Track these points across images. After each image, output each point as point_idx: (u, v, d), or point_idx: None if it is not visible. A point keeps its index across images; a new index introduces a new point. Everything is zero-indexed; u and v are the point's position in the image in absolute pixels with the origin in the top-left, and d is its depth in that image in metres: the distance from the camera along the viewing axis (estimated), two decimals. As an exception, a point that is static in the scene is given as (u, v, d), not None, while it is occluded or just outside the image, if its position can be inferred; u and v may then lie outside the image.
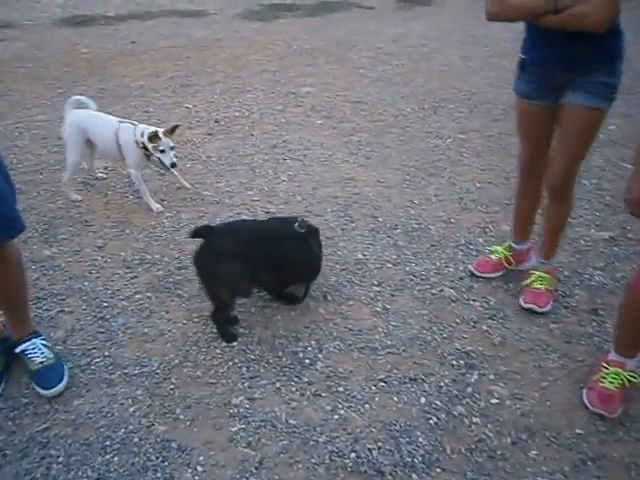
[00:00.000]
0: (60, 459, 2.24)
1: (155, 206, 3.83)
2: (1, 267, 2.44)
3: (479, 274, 3.22)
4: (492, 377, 2.62)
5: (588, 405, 2.44)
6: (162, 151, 3.63)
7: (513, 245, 3.21)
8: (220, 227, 3.06)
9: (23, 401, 2.46)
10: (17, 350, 2.60)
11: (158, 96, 5.69)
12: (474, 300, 3.08)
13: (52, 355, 2.60)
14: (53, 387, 2.51)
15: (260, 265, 2.75)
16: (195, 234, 2.80)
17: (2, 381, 2.54)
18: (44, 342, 2.65)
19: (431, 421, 2.40)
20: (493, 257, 3.24)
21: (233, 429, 2.36)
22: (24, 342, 2.61)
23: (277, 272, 2.87)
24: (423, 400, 2.49)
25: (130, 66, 6.50)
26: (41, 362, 2.55)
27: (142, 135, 3.65)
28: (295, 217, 3.02)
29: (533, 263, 3.16)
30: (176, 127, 3.74)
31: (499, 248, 3.25)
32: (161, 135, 3.61)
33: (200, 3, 9.30)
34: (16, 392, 2.51)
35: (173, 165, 3.69)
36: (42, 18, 8.20)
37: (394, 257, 3.38)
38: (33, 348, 2.59)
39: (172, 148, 3.68)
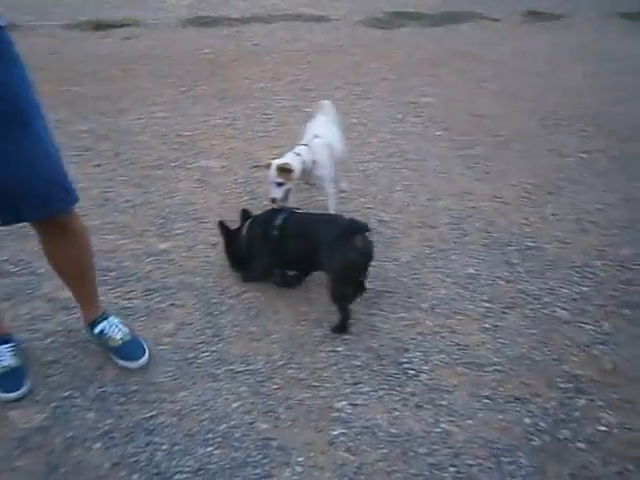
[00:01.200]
0: (164, 447, 2.36)
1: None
2: (71, 240, 2.52)
3: None
4: (601, 404, 2.54)
5: None
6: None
7: None
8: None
9: (132, 388, 2.61)
10: (95, 331, 2.74)
11: (278, 99, 5.82)
12: (586, 323, 2.98)
13: (128, 331, 2.77)
14: (140, 358, 2.70)
15: None
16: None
17: (26, 376, 2.62)
18: (118, 320, 2.81)
19: (534, 442, 2.36)
20: None
21: (334, 433, 2.41)
22: (100, 323, 2.75)
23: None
24: (528, 420, 2.45)
25: (251, 68, 6.68)
26: (121, 338, 2.72)
27: None
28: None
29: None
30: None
31: None
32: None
33: (323, 8, 9.44)
34: (125, 379, 2.66)
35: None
36: (168, 18, 8.56)
37: (506, 274, 3.32)
38: (111, 327, 2.74)
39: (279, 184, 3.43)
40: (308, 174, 3.56)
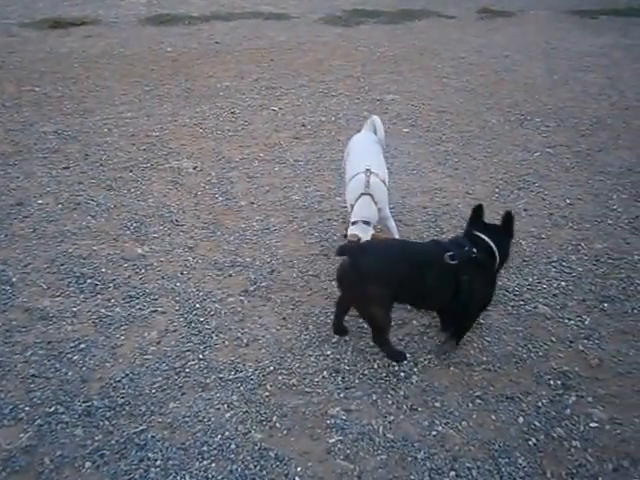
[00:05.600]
0: (158, 462, 2.30)
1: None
2: None
3: None
4: (590, 400, 2.59)
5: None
6: None
7: None
8: (368, 246, 2.90)
9: (119, 401, 2.54)
10: None
11: (244, 97, 5.77)
12: (569, 319, 3.04)
13: None
14: None
15: (400, 289, 2.63)
16: (341, 253, 2.70)
17: None
18: None
19: (530, 442, 2.39)
20: None
21: (330, 440, 2.39)
22: None
23: (418, 299, 2.78)
24: (521, 420, 2.48)
25: (215, 66, 6.61)
26: None
27: None
28: (460, 243, 2.74)
29: None
30: None
31: None
32: None
33: (282, 6, 9.38)
34: (112, 391, 2.58)
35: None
36: (127, 16, 8.39)
37: (486, 272, 3.35)
38: None
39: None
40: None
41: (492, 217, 3.82)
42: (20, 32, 7.41)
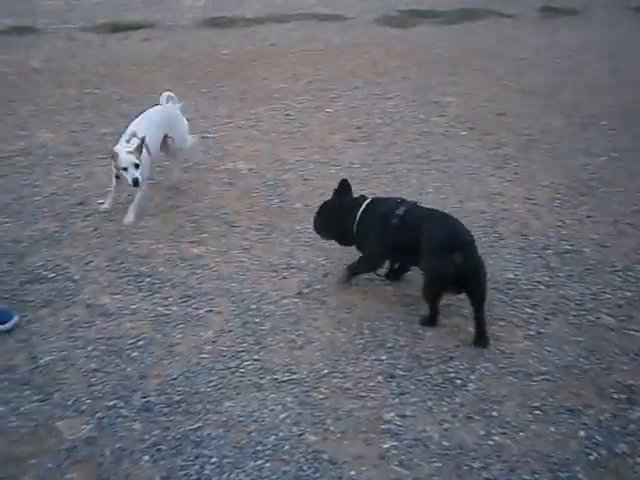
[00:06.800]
0: (213, 460, 2.31)
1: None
2: None
3: None
4: (656, 416, 2.49)
5: None
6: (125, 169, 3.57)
7: None
8: None
9: (176, 398, 2.57)
10: None
11: (299, 99, 5.78)
12: (635, 330, 2.94)
13: None
14: (8, 321, 2.88)
15: None
16: None
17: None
18: None
19: (591, 457, 2.32)
20: None
21: (385, 446, 2.37)
22: None
23: None
24: (582, 433, 2.40)
25: (270, 68, 6.64)
26: None
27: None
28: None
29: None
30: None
31: None
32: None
33: (337, 7, 9.37)
34: (169, 388, 2.61)
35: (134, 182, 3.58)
36: (184, 19, 8.53)
37: (546, 279, 3.28)
38: None
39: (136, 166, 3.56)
40: None
41: (554, 224, 3.77)
42: (81, 36, 7.60)
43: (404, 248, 2.99)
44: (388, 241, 3.02)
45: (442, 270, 2.78)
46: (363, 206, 3.15)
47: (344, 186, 3.26)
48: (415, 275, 3.26)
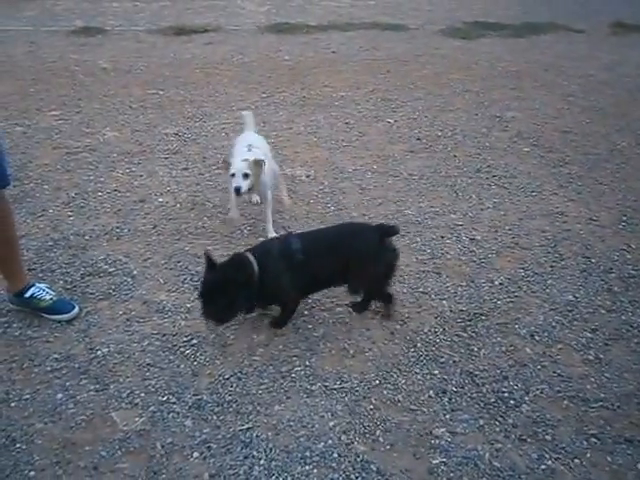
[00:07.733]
0: (262, 461, 2.32)
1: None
2: None
3: None
4: None
5: None
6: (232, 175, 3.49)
7: None
8: None
9: (227, 398, 2.59)
10: (26, 295, 2.98)
11: (359, 108, 5.77)
12: (701, 364, 2.81)
13: (55, 293, 3.05)
14: (70, 311, 2.98)
15: None
16: None
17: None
18: (45, 284, 3.09)
19: (650, 491, 2.23)
20: None
21: (434, 461, 2.33)
22: (29, 289, 3.00)
23: None
24: (641, 466, 2.31)
25: (331, 76, 6.66)
26: (51, 299, 2.99)
27: None
28: None
29: None
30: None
31: None
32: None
33: (401, 17, 9.36)
34: (221, 387, 2.64)
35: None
36: (247, 24, 8.66)
37: (608, 303, 3.18)
38: (39, 291, 3.00)
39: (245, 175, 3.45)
40: None
41: (618, 247, 3.65)
42: (147, 38, 7.83)
43: (319, 277, 2.96)
44: (303, 278, 2.88)
45: (388, 256, 2.98)
46: (253, 261, 2.85)
47: (210, 260, 2.81)
48: (471, 291, 3.23)
